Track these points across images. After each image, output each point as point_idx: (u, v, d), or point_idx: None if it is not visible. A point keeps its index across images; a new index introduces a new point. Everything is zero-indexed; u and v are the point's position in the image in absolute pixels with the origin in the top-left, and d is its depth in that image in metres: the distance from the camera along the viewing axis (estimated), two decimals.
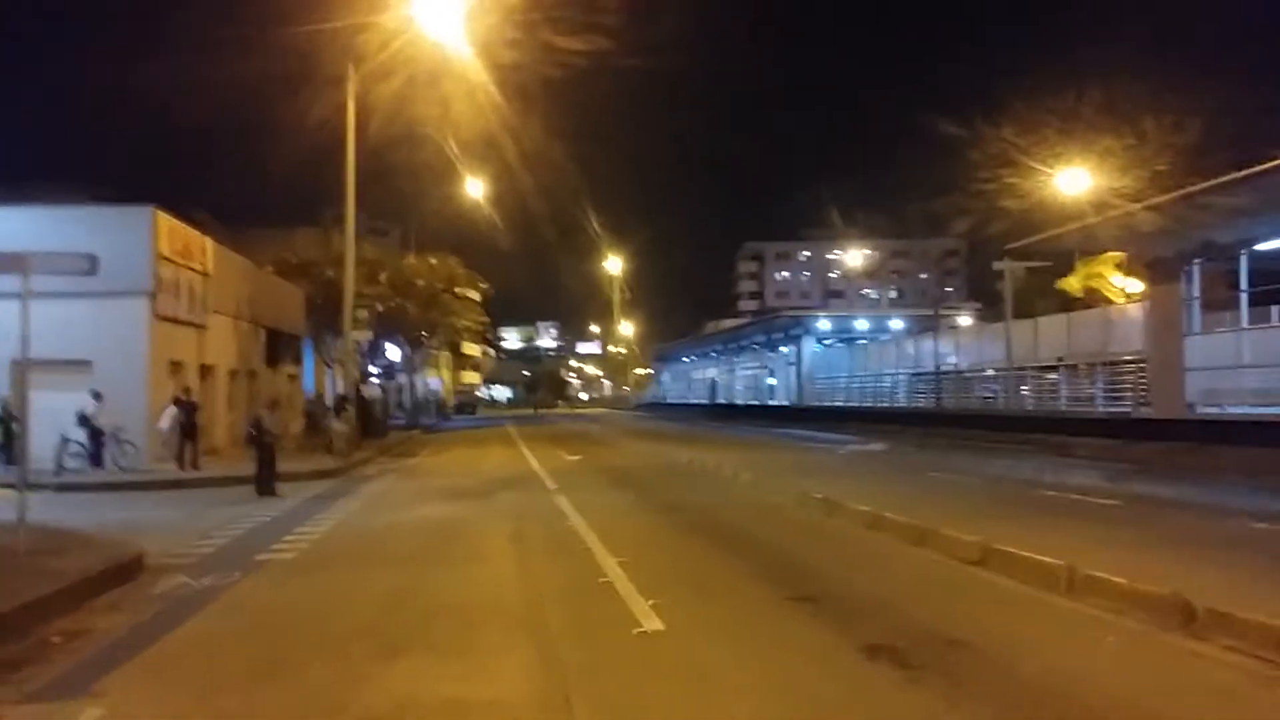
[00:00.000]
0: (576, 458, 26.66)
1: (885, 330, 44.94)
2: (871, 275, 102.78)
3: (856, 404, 39.23)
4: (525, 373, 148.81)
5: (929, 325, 39.43)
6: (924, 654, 6.25)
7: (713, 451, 24.74)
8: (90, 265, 9.69)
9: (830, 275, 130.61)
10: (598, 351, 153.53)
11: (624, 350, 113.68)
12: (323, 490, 18.94)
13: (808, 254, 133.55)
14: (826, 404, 41.65)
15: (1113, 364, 23.43)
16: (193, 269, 26.14)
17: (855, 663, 6.18)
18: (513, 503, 16.20)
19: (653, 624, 7.25)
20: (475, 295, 49.25)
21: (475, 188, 39.67)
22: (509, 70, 25.63)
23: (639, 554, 10.32)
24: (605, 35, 24.48)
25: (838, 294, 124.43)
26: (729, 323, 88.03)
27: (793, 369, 48.31)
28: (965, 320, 44.49)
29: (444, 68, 25.32)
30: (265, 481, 17.67)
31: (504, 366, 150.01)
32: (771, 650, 6.60)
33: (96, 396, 21.76)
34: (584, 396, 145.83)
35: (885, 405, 36.84)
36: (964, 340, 33.14)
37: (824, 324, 47.30)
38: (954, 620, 7.15)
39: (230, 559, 10.99)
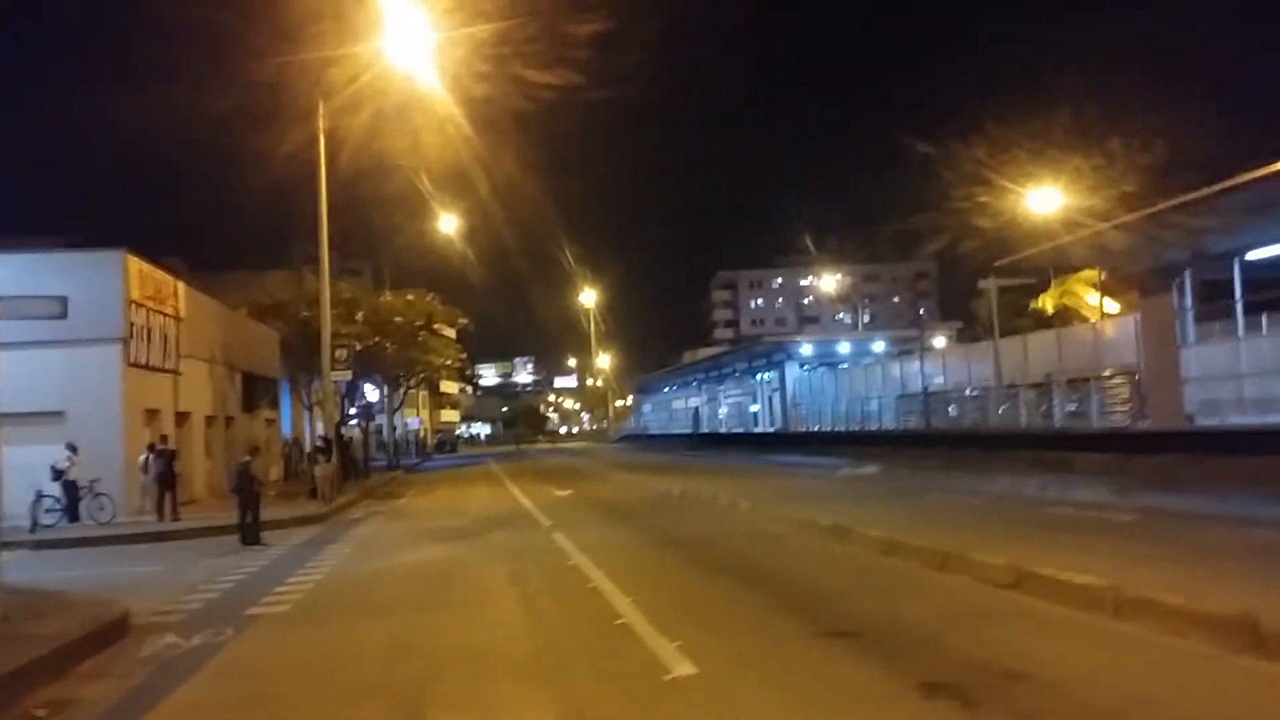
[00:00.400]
0: (566, 492, 26.14)
1: (868, 353, 44.73)
2: (845, 299, 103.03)
3: (844, 428, 38.90)
4: (503, 409, 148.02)
5: (911, 346, 39.39)
6: (985, 689, 5.82)
7: (704, 481, 24.30)
8: (61, 309, 9.19)
9: (804, 301, 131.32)
10: (574, 385, 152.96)
11: (601, 383, 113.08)
12: (309, 536, 18.33)
13: (780, 280, 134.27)
14: (813, 429, 41.31)
15: (1107, 378, 23.22)
16: (165, 313, 25.53)
17: (915, 702, 5.73)
18: (508, 542, 15.69)
19: (683, 668, 6.78)
20: (451, 332, 48.77)
21: (448, 223, 39.35)
22: (479, 104, 25.56)
23: (651, 591, 9.85)
24: (574, 68, 24.42)
25: (813, 319, 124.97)
26: (706, 352, 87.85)
27: (776, 395, 48.01)
28: (940, 341, 44.48)
29: (414, 101, 25.05)
30: (250, 530, 17.04)
31: (481, 403, 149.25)
32: (819, 692, 6.14)
33: (71, 449, 21.07)
34: (562, 430, 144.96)
35: (874, 428, 36.51)
36: (951, 360, 32.98)
37: (806, 349, 47.02)
38: (1005, 650, 6.72)
39: (220, 614, 10.42)
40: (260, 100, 27.17)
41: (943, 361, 33.12)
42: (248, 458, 18.23)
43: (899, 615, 8.17)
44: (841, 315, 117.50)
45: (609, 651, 7.58)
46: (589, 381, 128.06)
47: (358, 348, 32.48)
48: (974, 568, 9.39)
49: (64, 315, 9.39)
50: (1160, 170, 37.68)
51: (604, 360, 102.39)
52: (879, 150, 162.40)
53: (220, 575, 13.39)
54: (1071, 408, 24.20)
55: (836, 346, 46.98)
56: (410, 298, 39.68)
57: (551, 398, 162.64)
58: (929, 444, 29.12)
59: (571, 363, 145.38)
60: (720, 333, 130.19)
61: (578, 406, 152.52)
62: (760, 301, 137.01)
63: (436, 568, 13.24)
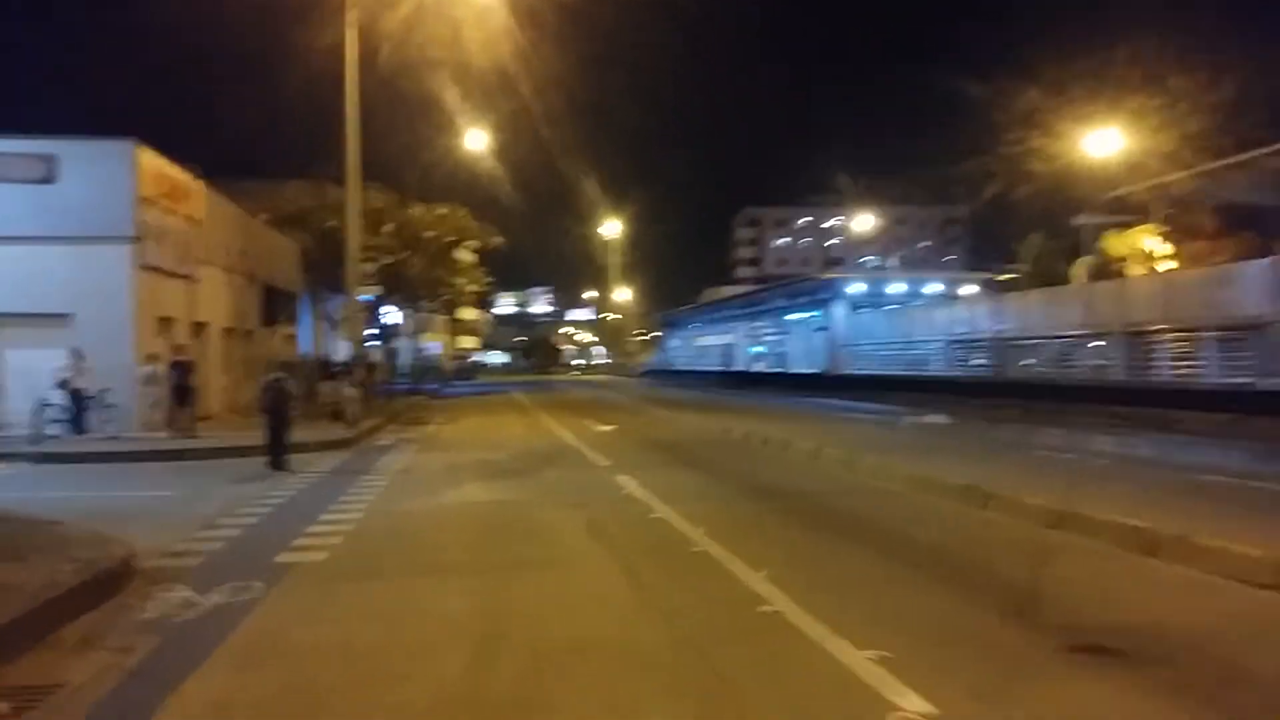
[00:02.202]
0: (609, 428, 24.21)
1: (920, 294, 42.33)
2: (872, 242, 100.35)
3: (898, 373, 36.67)
4: (519, 338, 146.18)
5: (989, 286, 36.97)
6: None
7: (762, 422, 22.31)
8: (46, 169, 7.16)
9: (830, 243, 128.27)
10: (589, 318, 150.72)
11: (620, 316, 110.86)
12: (338, 464, 16.47)
13: (807, 219, 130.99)
14: (862, 373, 39.09)
15: (1229, 329, 20.92)
16: (181, 214, 23.45)
17: None
18: (566, 483, 13.77)
19: (909, 700, 4.78)
20: (471, 256, 46.56)
21: (471, 141, 36.96)
22: (506, 19, 24.01)
23: (782, 564, 7.81)
24: None
25: (837, 261, 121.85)
26: (727, 290, 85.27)
27: (819, 335, 45.69)
28: (973, 288, 42.09)
29: (443, 7, 23.45)
30: (279, 454, 15.18)
31: (497, 332, 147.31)
32: None
33: (77, 355, 19.20)
34: (576, 363, 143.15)
35: (936, 374, 34.26)
36: (1032, 303, 30.51)
37: (857, 287, 44.43)
38: None
39: (245, 560, 8.54)
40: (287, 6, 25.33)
41: (1024, 305, 30.59)
42: (281, 373, 16.29)
43: (1160, 623, 6.17)
44: (868, 258, 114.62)
45: (778, 658, 5.60)
46: (605, 315, 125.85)
47: (386, 261, 30.42)
48: (1207, 557, 7.37)
49: (51, 178, 7.28)
50: (1228, 108, 35.30)
51: (624, 293, 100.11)
52: (918, 92, 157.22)
53: (242, 506, 11.53)
54: (1178, 361, 21.92)
55: (889, 286, 44.40)
56: (442, 211, 37.33)
57: (567, 329, 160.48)
58: (998, 394, 26.99)
59: (589, 295, 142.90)
60: (743, 271, 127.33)
61: (594, 339, 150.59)
62: (785, 241, 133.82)
63: (493, 511, 11.34)
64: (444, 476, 14.66)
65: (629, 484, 13.15)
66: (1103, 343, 25.06)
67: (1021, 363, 29.09)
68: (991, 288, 35.94)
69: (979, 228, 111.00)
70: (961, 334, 33.67)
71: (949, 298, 39.83)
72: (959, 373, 33.10)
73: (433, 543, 9.47)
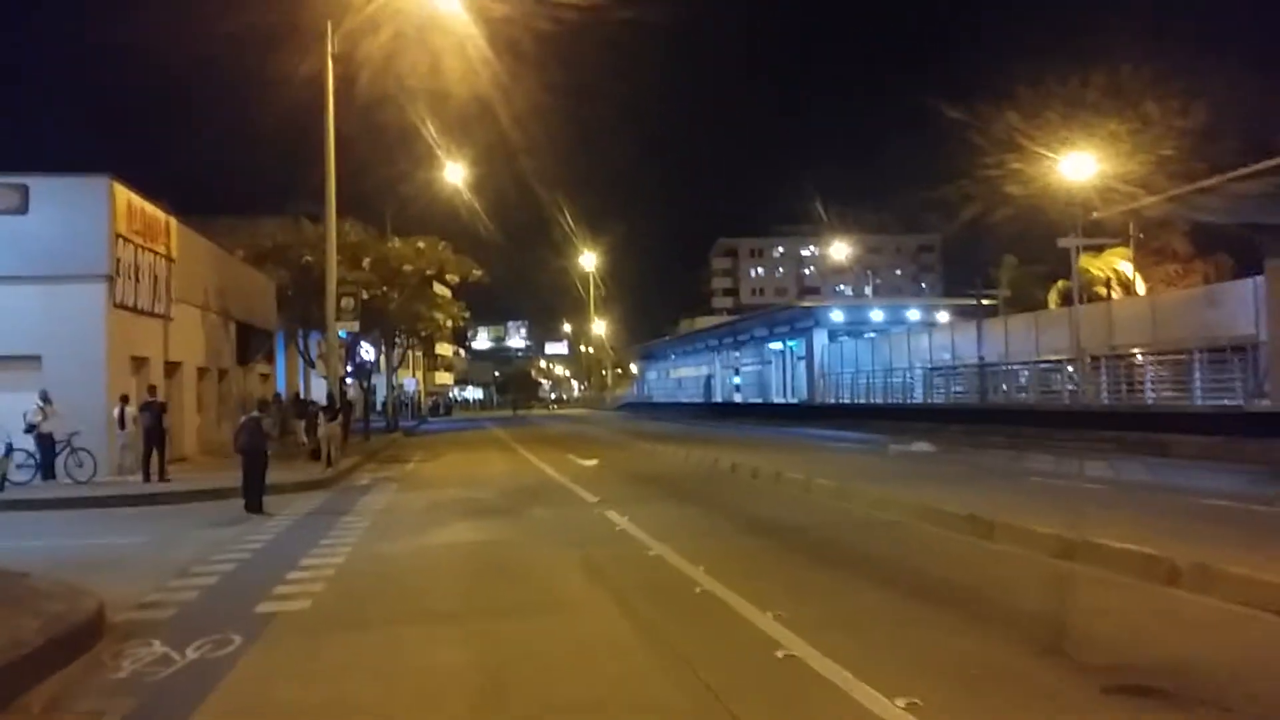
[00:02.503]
0: (592, 462, 23.83)
1: (901, 321, 42.23)
2: (850, 270, 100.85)
3: (879, 401, 36.47)
4: (496, 373, 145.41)
5: (957, 314, 36.92)
6: None
7: (748, 454, 21.98)
8: (20, 200, 6.77)
9: (805, 271, 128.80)
10: (565, 351, 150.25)
11: (596, 349, 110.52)
12: (317, 505, 15.98)
13: (781, 250, 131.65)
14: (844, 401, 38.89)
15: (1217, 350, 20.85)
16: (156, 252, 22.96)
17: None
18: (555, 521, 13.40)
19: None
20: (447, 291, 46.22)
21: (448, 176, 36.77)
22: (484, 51, 24.22)
23: (794, 603, 7.47)
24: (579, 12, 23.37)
25: (813, 290, 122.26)
26: (705, 320, 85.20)
27: (801, 363, 45.54)
28: (944, 315, 42.11)
29: (420, 39, 23.78)
30: (255, 496, 14.69)
31: (474, 367, 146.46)
32: None
33: (45, 399, 18.60)
34: (553, 397, 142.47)
35: (913, 401, 34.11)
36: (1013, 328, 30.45)
37: (837, 315, 44.26)
38: None
39: (222, 609, 8.11)
40: (264, 21, 25.30)
41: (1005, 330, 30.55)
42: (256, 412, 15.83)
43: (1197, 659, 5.87)
44: (843, 287, 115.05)
45: (807, 709, 5.24)
46: (582, 348, 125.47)
47: (365, 296, 29.97)
48: (1232, 586, 7.10)
49: (24, 209, 7.01)
50: (1200, 133, 35.67)
51: (599, 326, 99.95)
52: (892, 120, 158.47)
53: (218, 552, 11.06)
54: (1166, 384, 21.82)
55: (869, 313, 44.38)
56: (421, 245, 36.94)
57: (542, 364, 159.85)
58: (981, 420, 26.84)
59: (565, 328, 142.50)
60: (719, 301, 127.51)
61: (568, 373, 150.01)
62: (761, 270, 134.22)
63: (482, 552, 10.93)
64: (427, 516, 14.23)
65: (620, 520, 12.78)
66: (1086, 366, 24.96)
67: (1004, 388, 28.99)
68: (975, 313, 35.89)
69: (951, 254, 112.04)
70: (943, 361, 33.58)
71: (928, 324, 39.78)
72: (940, 400, 32.96)
73: (420, 587, 9.06)
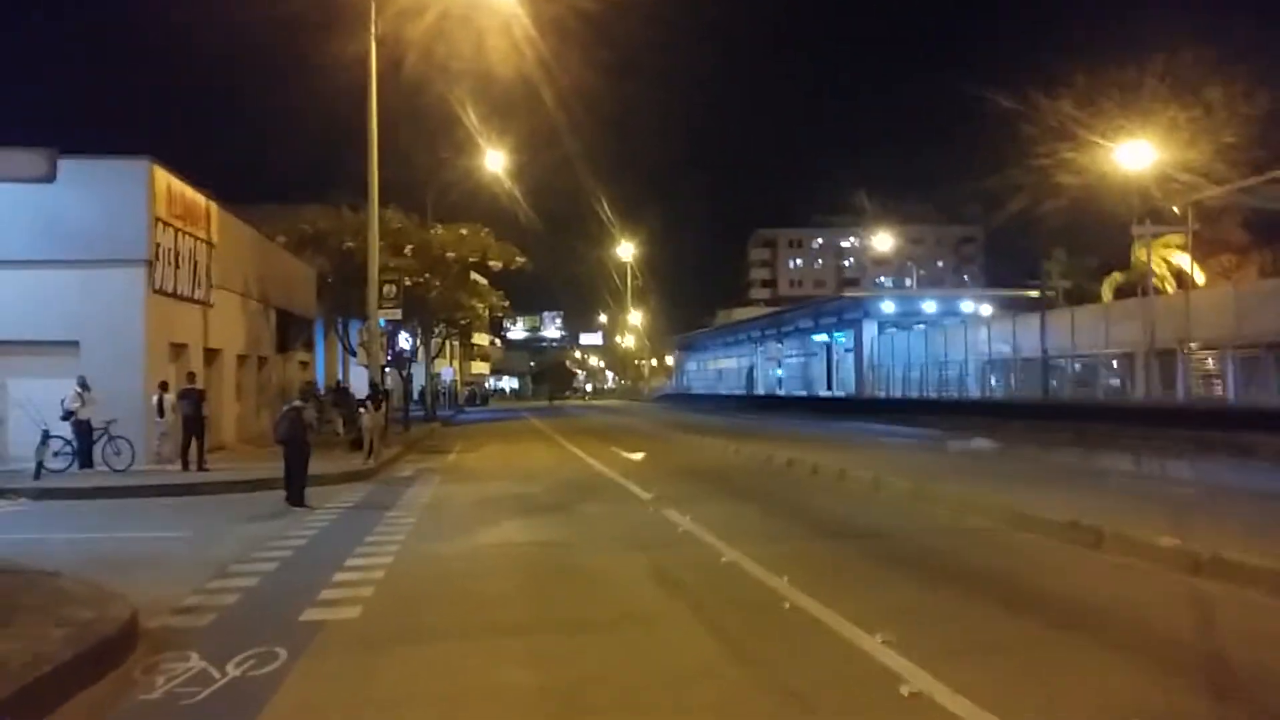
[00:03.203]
0: (639, 456, 23.09)
1: (955, 313, 40.93)
2: (890, 262, 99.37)
3: (932, 395, 35.34)
4: (531, 363, 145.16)
5: (1009, 306, 35.74)
6: None
7: (800, 449, 21.06)
8: (49, 166, 6.08)
9: (845, 263, 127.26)
10: (600, 342, 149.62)
11: (633, 340, 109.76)
12: (360, 498, 15.36)
13: (820, 241, 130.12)
14: (894, 395, 37.77)
15: None
16: (196, 237, 22.47)
17: None
18: (612, 520, 12.64)
19: None
20: (484, 280, 45.67)
21: (487, 164, 36.12)
22: (525, 39, 23.75)
23: (898, 624, 6.59)
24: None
25: (853, 281, 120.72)
26: (742, 312, 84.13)
27: (847, 356, 44.42)
28: (987, 308, 40.85)
29: (463, 20, 23.69)
30: (297, 488, 14.07)
31: (509, 357, 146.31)
32: None
33: (83, 385, 18.16)
34: (588, 388, 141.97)
35: (968, 395, 32.92)
36: (1079, 320, 29.19)
37: (888, 306, 42.95)
38: None
39: (264, 617, 7.44)
40: (307, 9, 24.96)
41: (1070, 321, 29.27)
42: (298, 401, 15.16)
43: None
44: (883, 278, 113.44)
45: None
46: (617, 339, 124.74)
47: (407, 284, 29.37)
48: None
49: (52, 176, 6.26)
50: (1264, 120, 34.18)
51: (635, 317, 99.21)
52: (937, 108, 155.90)
53: (259, 549, 10.42)
54: (1251, 381, 20.61)
55: (921, 305, 43.07)
56: (464, 231, 36.28)
57: (577, 354, 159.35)
58: (1043, 416, 25.72)
59: (601, 319, 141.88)
60: (756, 293, 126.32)
61: (603, 364, 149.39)
62: (799, 262, 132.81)
63: (540, 555, 10.21)
64: (475, 512, 13.54)
65: (682, 520, 12.00)
66: (1155, 360, 23.76)
67: (1069, 383, 27.80)
68: (1028, 305, 34.62)
69: (995, 246, 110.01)
70: (1001, 353, 32.38)
71: (984, 316, 38.47)
72: (999, 394, 31.80)
73: (478, 594, 8.33)
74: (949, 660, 5.79)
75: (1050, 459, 18.95)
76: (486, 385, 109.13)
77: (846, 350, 45.01)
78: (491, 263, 38.11)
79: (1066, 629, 6.65)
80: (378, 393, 22.25)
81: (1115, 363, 26.31)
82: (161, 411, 18.77)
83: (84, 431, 18.17)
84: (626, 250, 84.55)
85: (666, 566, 9.14)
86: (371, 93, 22.82)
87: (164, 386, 19.03)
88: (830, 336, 47.55)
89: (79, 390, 18.07)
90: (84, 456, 18.18)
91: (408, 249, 33.91)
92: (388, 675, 5.98)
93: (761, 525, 11.80)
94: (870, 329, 42.73)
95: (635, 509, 13.62)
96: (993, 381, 32.96)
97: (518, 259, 38.39)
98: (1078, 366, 27.30)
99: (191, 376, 19.76)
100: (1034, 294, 33.98)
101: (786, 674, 5.77)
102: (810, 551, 9.98)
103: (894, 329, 42.40)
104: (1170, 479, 14.80)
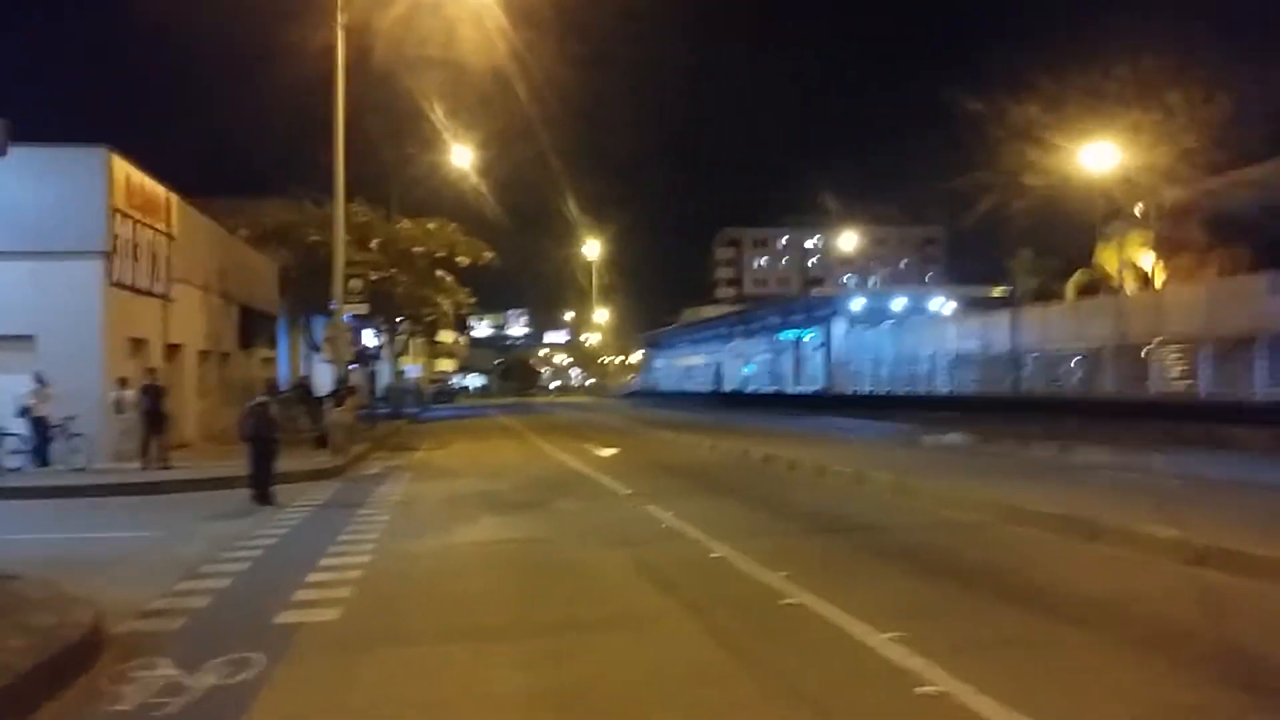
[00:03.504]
0: (612, 452, 22.82)
1: (922, 310, 41.16)
2: (850, 262, 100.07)
3: (904, 391, 35.33)
4: (496, 361, 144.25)
5: (976, 304, 35.88)
6: None
7: (776, 444, 20.91)
8: (3, 137, 5.67)
9: (809, 263, 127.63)
10: (565, 340, 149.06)
11: (599, 338, 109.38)
12: (329, 496, 14.94)
13: (785, 240, 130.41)
14: (863, 391, 37.75)
15: None
16: (155, 229, 21.87)
17: None
18: (592, 516, 12.36)
19: None
20: (451, 278, 45.14)
21: (451, 160, 35.58)
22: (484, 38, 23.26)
23: (904, 620, 6.34)
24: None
25: (817, 280, 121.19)
26: (708, 310, 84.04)
27: (817, 352, 44.42)
28: (950, 306, 41.06)
29: (430, 12, 23.32)
30: (264, 486, 13.64)
31: (474, 354, 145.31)
32: None
33: (40, 380, 17.56)
34: (553, 385, 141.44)
35: (942, 393, 32.95)
36: (1051, 317, 29.29)
37: (857, 303, 43.12)
38: None
39: (239, 621, 7.08)
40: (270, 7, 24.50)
41: (1042, 318, 29.37)
42: (263, 397, 14.74)
43: None
44: (848, 278, 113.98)
45: None
46: (582, 337, 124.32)
47: (373, 278, 28.85)
48: None
49: (2, 150, 5.85)
50: (1225, 124, 34.57)
51: (601, 314, 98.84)
52: (903, 110, 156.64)
53: (228, 548, 10.02)
54: (1223, 375, 20.71)
55: (890, 302, 43.20)
56: (431, 226, 35.72)
57: (542, 352, 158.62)
58: (1014, 411, 25.76)
59: (567, 316, 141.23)
60: (721, 291, 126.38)
61: (569, 362, 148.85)
62: (764, 261, 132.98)
63: (520, 552, 9.90)
64: (449, 509, 13.20)
65: (664, 516, 11.75)
66: (1125, 356, 23.87)
67: (1044, 378, 27.88)
68: (990, 304, 34.80)
69: (958, 247, 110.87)
70: (970, 350, 32.47)
71: (951, 314, 38.62)
72: (969, 390, 31.88)
73: (459, 594, 8.02)
74: (963, 657, 5.57)
75: (1028, 453, 18.91)
76: (452, 383, 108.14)
77: (816, 347, 45.04)
78: (459, 258, 37.59)
79: (1076, 624, 6.46)
80: (344, 389, 21.76)
81: (1085, 357, 26.39)
82: (121, 408, 18.20)
83: (41, 428, 17.58)
84: (593, 248, 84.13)
85: (653, 563, 8.88)
86: (338, 83, 22.30)
87: (123, 382, 18.46)
88: (798, 333, 47.54)
89: (36, 386, 17.47)
90: (41, 454, 17.60)
91: (374, 243, 33.34)
92: (370, 681, 5.66)
93: (746, 521, 11.58)
94: (840, 326, 42.78)
95: (613, 505, 13.36)
96: (962, 377, 33.01)
97: (485, 254, 37.89)
98: (1049, 362, 27.39)
99: (152, 372, 19.20)
100: (999, 293, 34.12)
101: (792, 676, 5.52)
102: (801, 547, 9.76)
103: (863, 326, 42.44)
104: (1152, 471, 14.75)
